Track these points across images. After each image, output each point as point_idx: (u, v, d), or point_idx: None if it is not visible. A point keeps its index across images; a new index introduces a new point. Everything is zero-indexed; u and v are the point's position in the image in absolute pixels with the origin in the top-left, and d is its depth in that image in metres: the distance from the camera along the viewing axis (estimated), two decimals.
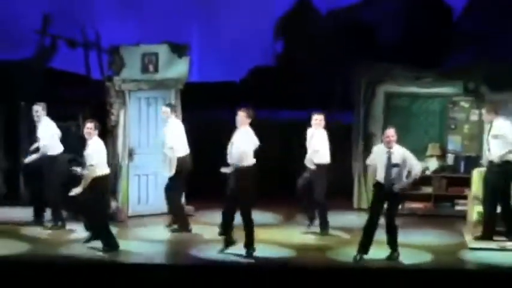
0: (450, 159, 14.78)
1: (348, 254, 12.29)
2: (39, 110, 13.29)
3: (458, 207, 14.46)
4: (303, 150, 13.16)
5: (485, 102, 14.41)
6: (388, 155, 11.85)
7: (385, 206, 11.99)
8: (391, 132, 11.88)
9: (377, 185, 11.94)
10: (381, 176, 11.87)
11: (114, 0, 18.61)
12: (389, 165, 11.81)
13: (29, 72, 15.53)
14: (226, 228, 12.15)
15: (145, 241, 12.93)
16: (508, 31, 18.02)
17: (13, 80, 15.12)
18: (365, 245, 11.94)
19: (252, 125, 12.20)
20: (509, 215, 12.79)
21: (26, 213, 13.71)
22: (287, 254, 12.42)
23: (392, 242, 12.05)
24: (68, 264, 11.87)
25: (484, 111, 12.95)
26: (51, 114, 13.43)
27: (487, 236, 12.79)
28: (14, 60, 15.70)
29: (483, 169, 13.37)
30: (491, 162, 12.75)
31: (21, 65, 15.74)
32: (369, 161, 12.23)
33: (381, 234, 12.09)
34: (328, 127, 13.19)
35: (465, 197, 14.02)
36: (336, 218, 13.85)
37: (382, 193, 11.90)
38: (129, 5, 18.51)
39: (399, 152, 11.88)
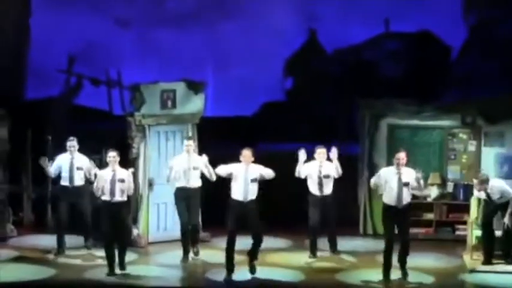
0: (450, 187, 14.84)
1: (356, 276, 12.37)
2: (74, 145, 13.36)
3: (458, 232, 14.48)
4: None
5: (481, 133, 14.57)
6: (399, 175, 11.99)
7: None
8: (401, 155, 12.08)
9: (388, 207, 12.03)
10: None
11: (135, 42, 18.73)
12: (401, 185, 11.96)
13: (57, 109, 15.64)
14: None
15: (165, 266, 12.99)
16: (501, 67, 18.10)
17: (42, 116, 15.22)
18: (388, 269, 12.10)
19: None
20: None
21: (52, 240, 13.67)
22: (297, 276, 12.46)
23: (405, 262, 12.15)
24: None
25: (475, 181, 12.96)
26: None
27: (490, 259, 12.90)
28: (44, 98, 15.82)
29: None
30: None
31: (49, 102, 15.86)
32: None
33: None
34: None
35: (465, 223, 14.03)
36: (344, 243, 13.92)
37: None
38: (148, 46, 18.64)
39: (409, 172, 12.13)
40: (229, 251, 12.17)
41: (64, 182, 13.40)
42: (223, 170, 12.27)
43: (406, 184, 12.02)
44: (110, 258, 12.27)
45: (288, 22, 18.98)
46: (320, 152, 13.32)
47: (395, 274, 12.24)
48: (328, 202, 13.27)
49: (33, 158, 14.68)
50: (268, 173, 12.27)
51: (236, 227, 12.11)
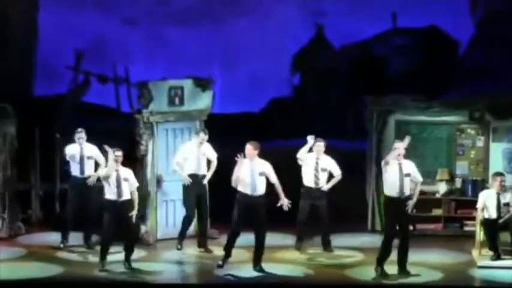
0: (458, 183, 14.80)
1: (364, 272, 12.35)
2: (83, 136, 13.48)
3: (466, 228, 14.44)
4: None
5: (490, 129, 14.51)
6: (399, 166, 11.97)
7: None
8: None
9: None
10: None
11: (142, 39, 18.75)
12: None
13: (65, 106, 15.65)
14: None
15: (173, 262, 12.99)
16: (508, 62, 18.05)
17: (50, 114, 15.24)
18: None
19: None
20: None
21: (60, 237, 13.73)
22: (306, 272, 12.45)
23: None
24: (99, 285, 11.97)
25: (499, 178, 13.02)
26: None
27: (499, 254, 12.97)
28: (52, 95, 15.83)
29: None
30: None
31: (57, 99, 15.87)
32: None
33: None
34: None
35: (473, 218, 13.93)
36: (352, 240, 13.93)
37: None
38: (156, 42, 18.65)
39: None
40: (230, 241, 12.26)
41: (75, 172, 13.49)
42: (235, 176, 12.29)
43: (408, 175, 12.01)
44: (104, 253, 12.32)
45: (295, 18, 18.97)
46: (319, 145, 13.36)
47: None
48: (321, 195, 13.31)
49: (41, 155, 14.71)
50: (273, 177, 12.30)
51: (240, 220, 12.14)
